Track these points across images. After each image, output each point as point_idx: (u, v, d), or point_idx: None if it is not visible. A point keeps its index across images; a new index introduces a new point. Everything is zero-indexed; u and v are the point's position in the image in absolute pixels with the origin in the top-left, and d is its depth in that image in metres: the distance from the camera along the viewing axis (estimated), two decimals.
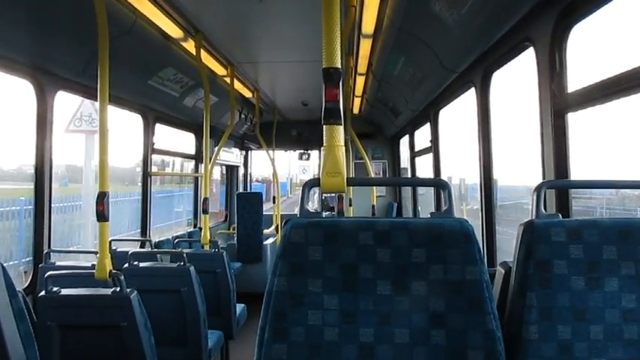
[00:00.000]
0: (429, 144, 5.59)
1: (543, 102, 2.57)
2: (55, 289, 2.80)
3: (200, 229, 6.95)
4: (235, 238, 7.32)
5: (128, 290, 2.80)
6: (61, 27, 3.38)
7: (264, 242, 7.45)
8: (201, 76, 4.72)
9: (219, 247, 4.61)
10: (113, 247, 4.31)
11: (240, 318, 4.89)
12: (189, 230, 6.78)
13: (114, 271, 2.87)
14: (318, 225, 1.44)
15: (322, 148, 1.72)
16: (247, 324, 5.19)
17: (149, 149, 5.52)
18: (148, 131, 5.51)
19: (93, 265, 3.67)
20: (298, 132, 9.52)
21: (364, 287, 1.42)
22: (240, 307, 4.90)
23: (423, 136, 6.33)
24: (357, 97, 7.04)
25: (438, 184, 1.55)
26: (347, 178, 1.64)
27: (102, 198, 2.89)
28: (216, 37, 4.73)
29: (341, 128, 1.70)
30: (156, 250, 4.76)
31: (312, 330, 1.40)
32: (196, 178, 7.23)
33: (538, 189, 1.79)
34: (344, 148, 1.69)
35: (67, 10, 3.27)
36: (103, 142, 2.98)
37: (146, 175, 5.51)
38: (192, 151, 7.12)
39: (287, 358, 1.38)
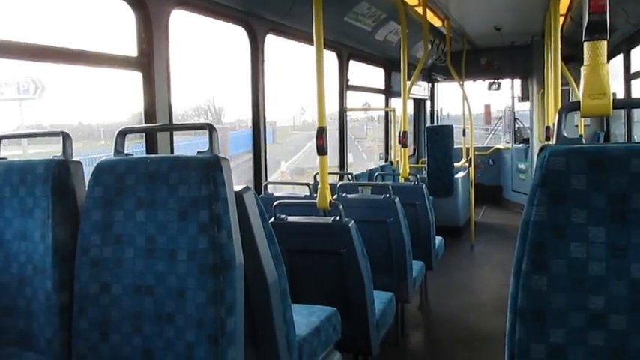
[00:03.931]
0: None
1: None
2: (282, 216, 3.08)
3: (391, 163, 7.08)
4: (426, 172, 7.30)
5: (346, 219, 2.97)
6: None
7: (455, 176, 7.30)
8: (397, 6, 4.63)
9: (418, 180, 4.64)
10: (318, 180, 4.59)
11: (439, 250, 4.93)
12: (381, 164, 6.94)
13: (334, 202, 3.05)
14: (581, 152, 1.33)
15: (582, 68, 1.55)
16: (444, 256, 5.22)
17: (344, 85, 5.68)
18: (343, 68, 5.65)
19: (305, 196, 3.97)
20: (488, 60, 8.95)
21: (637, 219, 1.28)
22: (438, 240, 4.93)
23: None
24: (560, 15, 6.32)
25: None
26: (613, 100, 1.47)
27: (321, 132, 3.04)
28: None
29: (605, 44, 1.51)
30: (364, 182, 4.95)
31: (575, 263, 1.32)
32: (386, 113, 7.28)
33: None
34: (607, 66, 1.51)
35: None
36: (320, 82, 3.09)
37: (342, 111, 5.70)
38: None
39: (547, 290, 1.33)
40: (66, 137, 2.09)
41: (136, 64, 3.03)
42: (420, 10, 5.59)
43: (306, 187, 3.98)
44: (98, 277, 1.92)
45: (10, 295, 2.06)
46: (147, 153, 3.09)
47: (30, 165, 2.06)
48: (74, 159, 2.08)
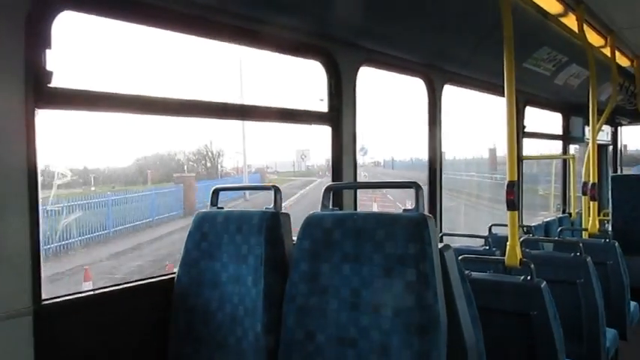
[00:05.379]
0: None
1: None
2: (466, 272, 2.97)
3: (569, 214, 6.55)
4: (609, 225, 6.61)
5: (537, 280, 2.78)
6: (451, 24, 3.57)
7: None
8: (586, 50, 4.37)
9: (610, 236, 4.22)
10: (494, 232, 4.40)
11: (634, 316, 4.38)
12: (558, 216, 6.46)
13: (524, 260, 2.89)
14: None
15: None
16: (638, 323, 4.62)
17: (520, 133, 5.45)
18: (519, 115, 5.43)
19: (484, 250, 3.82)
20: None
21: None
22: (632, 305, 4.39)
23: None
24: None
25: None
26: None
27: (512, 187, 2.93)
28: (598, 5, 4.30)
29: None
30: (550, 238, 4.65)
31: None
32: (564, 161, 6.82)
33: None
34: None
35: (458, 5, 3.41)
36: (511, 133, 3.00)
37: (518, 159, 5.46)
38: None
39: None
40: (277, 191, 2.28)
41: (327, 119, 3.22)
42: (606, 51, 5.22)
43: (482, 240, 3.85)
44: (303, 325, 2.02)
45: (222, 332, 2.26)
46: (333, 206, 3.22)
47: (246, 215, 2.27)
48: (283, 211, 2.26)
